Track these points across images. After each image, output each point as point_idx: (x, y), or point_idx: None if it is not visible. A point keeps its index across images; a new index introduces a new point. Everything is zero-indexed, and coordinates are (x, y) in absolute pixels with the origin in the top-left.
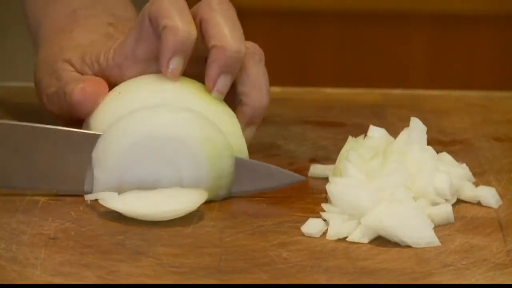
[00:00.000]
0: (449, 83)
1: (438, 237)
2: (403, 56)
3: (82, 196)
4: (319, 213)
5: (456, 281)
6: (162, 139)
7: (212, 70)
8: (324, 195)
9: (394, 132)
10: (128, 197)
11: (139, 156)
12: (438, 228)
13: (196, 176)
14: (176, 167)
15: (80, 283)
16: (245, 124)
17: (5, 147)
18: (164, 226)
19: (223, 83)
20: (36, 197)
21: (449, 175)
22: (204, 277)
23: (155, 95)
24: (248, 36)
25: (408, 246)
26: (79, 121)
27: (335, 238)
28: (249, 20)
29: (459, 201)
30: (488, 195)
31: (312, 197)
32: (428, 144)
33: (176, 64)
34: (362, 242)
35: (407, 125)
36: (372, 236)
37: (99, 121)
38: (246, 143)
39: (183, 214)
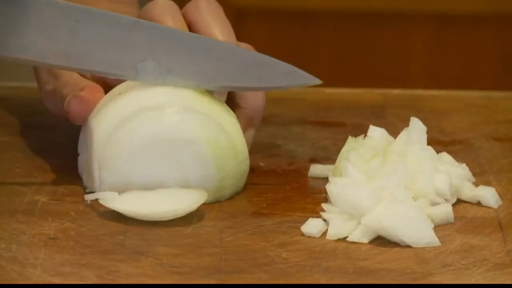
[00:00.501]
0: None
1: (438, 237)
2: (403, 56)
3: (82, 195)
4: (319, 213)
5: (456, 281)
6: (168, 141)
7: None
8: (324, 195)
9: (394, 132)
10: (128, 197)
11: (146, 157)
12: (438, 228)
13: (202, 177)
14: (182, 168)
15: (80, 283)
16: (244, 126)
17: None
18: (164, 226)
19: None
20: (36, 197)
21: (449, 175)
22: (204, 277)
23: (155, 96)
24: (248, 36)
25: (408, 246)
26: None
27: (335, 238)
28: (249, 20)
29: (459, 201)
30: (488, 195)
31: (312, 197)
32: (428, 144)
33: None
34: (362, 242)
35: (407, 125)
36: (372, 236)
37: (100, 122)
38: (247, 147)
39: (183, 214)
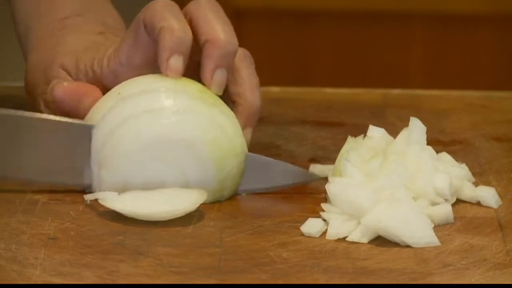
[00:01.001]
0: (449, 83)
1: (438, 237)
2: (403, 56)
3: (81, 195)
4: (318, 213)
5: (455, 281)
6: (168, 142)
7: (207, 65)
8: (324, 195)
9: (394, 132)
10: (128, 197)
11: (146, 158)
12: (438, 228)
13: (202, 178)
14: (182, 169)
15: (80, 283)
16: (241, 125)
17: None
18: (164, 226)
19: (220, 77)
20: (36, 197)
21: (448, 175)
22: (204, 277)
23: (155, 97)
24: (248, 36)
25: (408, 246)
26: None
27: (335, 238)
28: (249, 20)
29: (458, 201)
30: (488, 195)
31: (311, 197)
32: (428, 144)
33: (175, 62)
34: (362, 242)
35: (407, 125)
36: (371, 236)
37: (99, 122)
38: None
39: (182, 214)
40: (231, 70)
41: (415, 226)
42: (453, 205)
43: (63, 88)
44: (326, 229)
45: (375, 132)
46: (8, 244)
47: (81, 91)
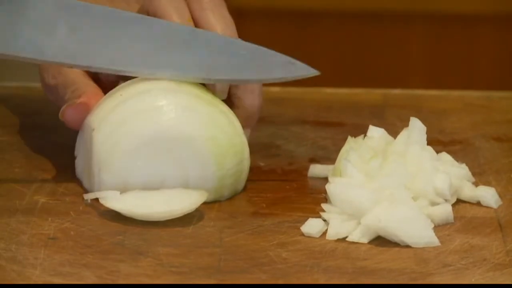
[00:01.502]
0: (449, 83)
1: (438, 237)
2: (403, 56)
3: (81, 195)
4: (318, 213)
5: (455, 281)
6: (168, 140)
7: None
8: (324, 195)
9: (393, 132)
10: (128, 197)
11: (146, 157)
12: (438, 228)
13: (202, 176)
14: (182, 167)
15: (80, 283)
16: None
17: None
18: (164, 226)
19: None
20: (36, 197)
21: (448, 175)
22: (204, 277)
23: (155, 97)
24: (248, 36)
25: (408, 246)
26: None
27: (335, 238)
28: (249, 20)
29: (458, 201)
30: (488, 195)
31: (311, 197)
32: (428, 144)
33: None
34: (362, 242)
35: (407, 125)
36: (371, 236)
37: (99, 123)
38: None
39: (182, 215)
40: None
41: (415, 226)
42: (453, 205)
43: (72, 113)
44: (326, 229)
45: (375, 132)
46: (8, 244)
47: (91, 108)
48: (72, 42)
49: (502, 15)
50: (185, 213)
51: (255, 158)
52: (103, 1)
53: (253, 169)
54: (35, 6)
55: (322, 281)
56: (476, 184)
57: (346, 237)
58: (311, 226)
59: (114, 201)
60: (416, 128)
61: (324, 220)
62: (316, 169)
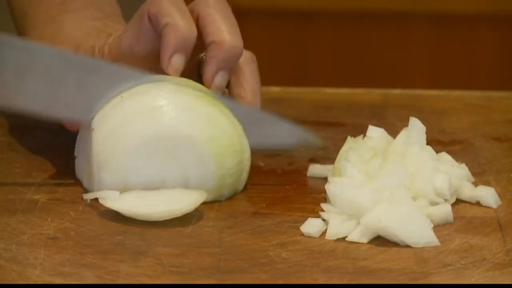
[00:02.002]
0: (449, 83)
1: (438, 237)
2: (403, 56)
3: (81, 195)
4: (318, 213)
5: (455, 281)
6: (168, 140)
7: (210, 66)
8: (324, 195)
9: (393, 132)
10: (128, 197)
11: (146, 157)
12: (438, 228)
13: (202, 176)
14: (182, 167)
15: (80, 283)
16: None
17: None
18: (163, 226)
19: (221, 78)
20: (36, 197)
21: (448, 175)
22: (204, 277)
23: (152, 96)
24: (248, 36)
25: (408, 246)
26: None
27: (335, 238)
28: (249, 20)
29: (458, 201)
30: (488, 195)
31: (311, 197)
32: (428, 144)
33: (177, 60)
34: (362, 242)
35: (407, 125)
36: (371, 236)
37: (99, 124)
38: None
39: (181, 215)
40: (234, 72)
41: (414, 226)
42: (452, 205)
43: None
44: (326, 229)
45: (375, 132)
46: (8, 244)
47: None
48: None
49: (502, 15)
50: (185, 213)
51: (255, 158)
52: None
53: (253, 169)
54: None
55: (322, 281)
56: (476, 184)
57: (346, 237)
58: (311, 226)
59: (114, 201)
60: (416, 128)
61: (324, 220)
62: (315, 169)
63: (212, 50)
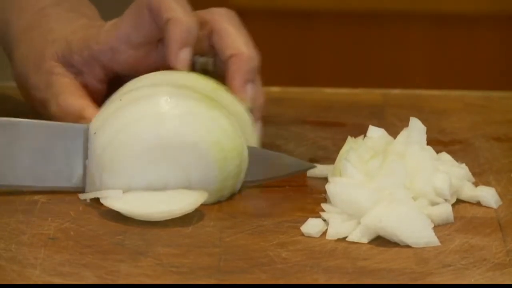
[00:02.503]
0: (449, 83)
1: (438, 237)
2: (403, 56)
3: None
4: (318, 213)
5: (455, 281)
6: (171, 146)
7: (238, 80)
8: (324, 195)
9: (393, 132)
10: (128, 197)
11: (149, 161)
12: (438, 228)
13: (205, 179)
14: (185, 170)
15: (80, 283)
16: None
17: None
18: (163, 226)
19: (252, 90)
20: (36, 197)
21: (448, 175)
22: (204, 277)
23: (155, 100)
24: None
25: (408, 246)
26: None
27: (335, 238)
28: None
29: (458, 201)
30: (488, 195)
31: (311, 197)
32: (428, 144)
33: (184, 55)
34: (362, 242)
35: (407, 125)
36: (371, 236)
37: (101, 127)
38: (258, 141)
39: (181, 215)
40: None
41: (415, 226)
42: (453, 205)
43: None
44: (326, 229)
45: (375, 132)
46: (8, 244)
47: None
48: None
49: (502, 15)
50: (185, 213)
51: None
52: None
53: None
54: None
55: (322, 281)
56: (476, 184)
57: (346, 237)
58: (311, 226)
59: (114, 201)
60: (416, 128)
61: (324, 220)
62: (315, 169)
63: (235, 64)
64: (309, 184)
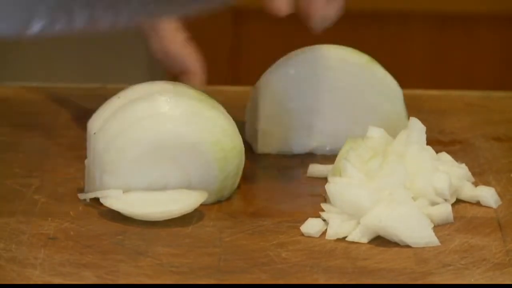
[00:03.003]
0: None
1: (438, 237)
2: (403, 56)
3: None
4: (318, 213)
5: (455, 281)
6: (172, 147)
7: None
8: (324, 195)
9: None
10: (128, 197)
11: (150, 163)
12: (438, 228)
13: (205, 179)
14: (185, 171)
15: (80, 283)
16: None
17: None
18: (163, 226)
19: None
20: (36, 197)
21: (448, 175)
22: (204, 277)
23: (155, 101)
24: (248, 36)
25: (408, 246)
26: None
27: (335, 238)
28: (249, 21)
29: (458, 201)
30: (487, 195)
31: (311, 197)
32: (428, 144)
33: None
34: (362, 242)
35: None
36: (371, 236)
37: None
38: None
39: (181, 214)
40: None
41: (414, 226)
42: (452, 205)
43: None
44: (326, 229)
45: (375, 132)
46: (8, 244)
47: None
48: None
49: (502, 15)
50: (185, 213)
51: (255, 158)
52: None
53: (253, 169)
54: None
55: (322, 281)
56: (476, 184)
57: (346, 237)
58: (311, 226)
59: (114, 201)
60: (415, 128)
61: (324, 220)
62: (315, 169)
63: None
64: (309, 184)
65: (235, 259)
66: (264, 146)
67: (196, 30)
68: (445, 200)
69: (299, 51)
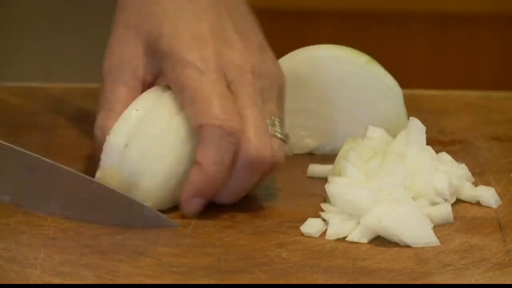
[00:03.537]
0: (449, 83)
1: (438, 237)
2: (403, 56)
3: None
4: (318, 213)
5: (455, 281)
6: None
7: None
8: (324, 195)
9: None
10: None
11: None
12: (438, 228)
13: None
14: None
15: (80, 283)
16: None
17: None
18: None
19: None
20: None
21: (448, 175)
22: (204, 277)
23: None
24: None
25: (408, 246)
26: None
27: (334, 238)
28: None
29: (458, 201)
30: (488, 195)
31: (311, 197)
32: (428, 144)
33: (196, 205)
34: (362, 242)
35: None
36: (371, 236)
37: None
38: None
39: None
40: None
41: (414, 226)
42: (452, 205)
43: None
44: (326, 229)
45: (375, 132)
46: (8, 244)
47: None
48: None
49: (502, 15)
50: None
51: None
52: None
53: None
54: None
55: (322, 281)
56: (476, 184)
57: (346, 237)
58: (311, 226)
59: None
60: (415, 128)
61: (324, 220)
62: (316, 169)
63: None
64: (309, 184)
65: (235, 259)
66: None
67: None
68: (445, 200)
69: (298, 51)
